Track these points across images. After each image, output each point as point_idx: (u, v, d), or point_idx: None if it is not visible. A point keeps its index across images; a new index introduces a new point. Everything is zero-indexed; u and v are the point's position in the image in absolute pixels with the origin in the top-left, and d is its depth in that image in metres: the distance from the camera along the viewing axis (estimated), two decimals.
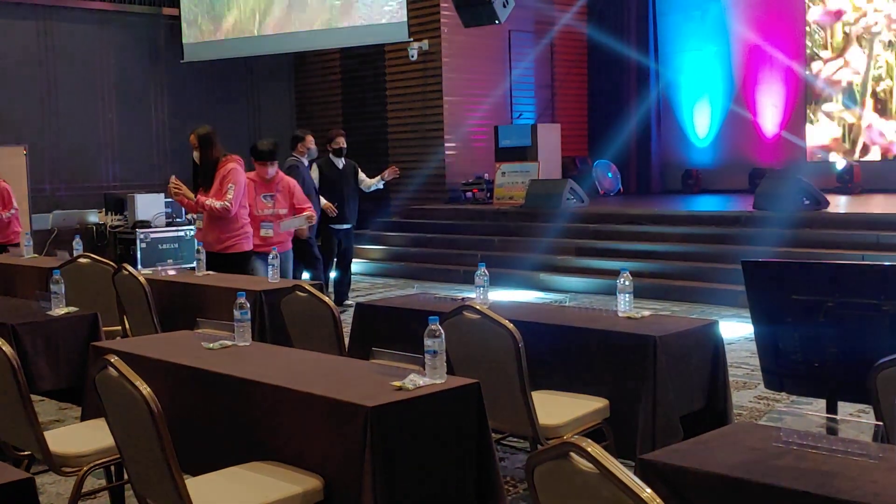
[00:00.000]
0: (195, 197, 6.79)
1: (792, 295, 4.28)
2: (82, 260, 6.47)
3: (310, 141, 9.34)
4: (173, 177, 6.99)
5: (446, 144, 14.61)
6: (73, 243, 7.66)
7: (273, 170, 7.48)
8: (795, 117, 14.81)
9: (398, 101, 15.19)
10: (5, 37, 13.96)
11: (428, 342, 3.25)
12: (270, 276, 5.90)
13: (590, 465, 1.92)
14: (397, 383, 3.21)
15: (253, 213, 7.20)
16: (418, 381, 3.22)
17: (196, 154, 6.84)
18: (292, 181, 7.70)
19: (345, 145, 9.71)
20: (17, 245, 9.50)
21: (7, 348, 3.54)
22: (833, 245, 9.76)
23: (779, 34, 14.83)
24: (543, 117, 15.70)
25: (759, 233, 10.10)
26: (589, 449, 1.93)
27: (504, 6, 12.32)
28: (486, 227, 12.91)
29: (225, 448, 3.53)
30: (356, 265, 13.08)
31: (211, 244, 6.75)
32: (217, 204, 6.67)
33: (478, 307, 3.93)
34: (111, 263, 6.35)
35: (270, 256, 5.98)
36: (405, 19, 13.89)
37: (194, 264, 6.62)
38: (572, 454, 1.98)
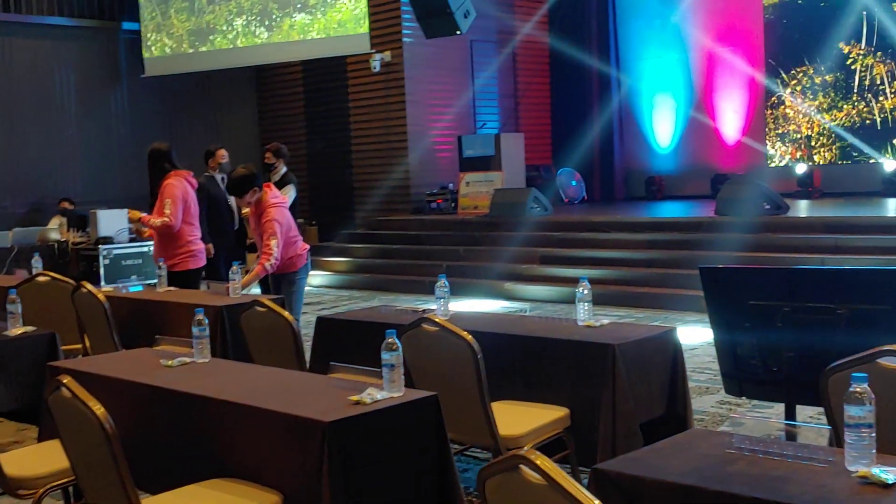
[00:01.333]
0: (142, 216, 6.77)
1: (749, 300, 4.32)
2: (41, 278, 6.40)
3: (221, 155, 8.94)
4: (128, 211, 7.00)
5: (410, 155, 14.62)
6: (32, 261, 7.58)
7: (244, 200, 6.46)
8: (756, 123, 14.97)
9: (361, 112, 15.18)
10: None
11: (385, 356, 3.25)
12: (231, 292, 5.87)
13: (539, 477, 1.93)
14: (355, 397, 3.20)
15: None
16: (376, 394, 3.22)
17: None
18: (272, 214, 6.35)
19: (272, 161, 9.11)
20: None
21: None
22: (793, 249, 9.86)
23: (737, 41, 14.99)
24: (507, 127, 15.75)
25: (721, 238, 10.18)
26: (538, 461, 1.94)
27: (465, 17, 12.34)
28: (450, 237, 12.93)
29: (184, 466, 3.50)
30: (321, 278, 13.07)
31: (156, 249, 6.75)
32: (157, 221, 6.66)
33: (436, 319, 3.93)
34: (70, 281, 6.29)
35: (231, 271, 5.95)
36: (367, 31, 13.89)
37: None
38: (522, 467, 1.99)
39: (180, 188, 6.73)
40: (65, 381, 2.94)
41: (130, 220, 6.80)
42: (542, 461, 1.93)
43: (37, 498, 3.44)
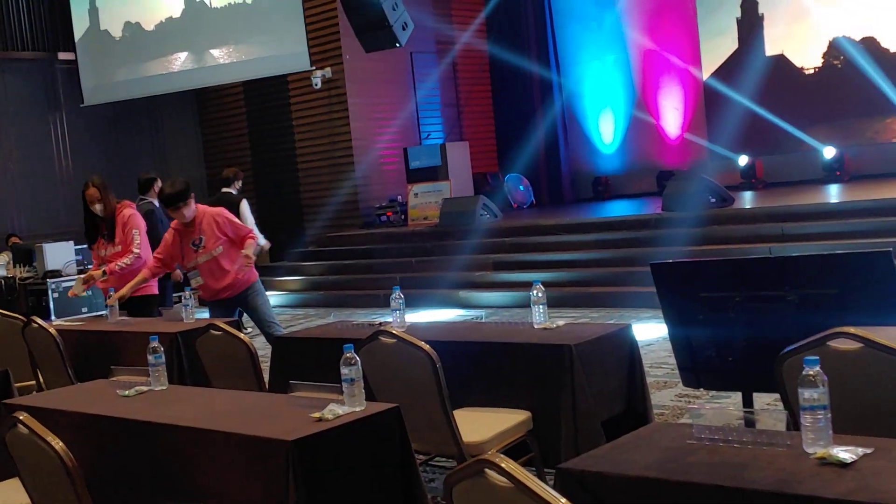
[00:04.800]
0: (104, 268, 6.76)
1: (700, 293, 4.39)
2: None
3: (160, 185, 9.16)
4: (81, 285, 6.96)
5: (357, 169, 14.61)
6: None
7: (189, 211, 6.39)
8: (696, 118, 15.16)
9: (305, 130, 15.14)
10: None
11: (344, 370, 3.25)
12: (185, 317, 5.82)
13: (505, 480, 1.95)
14: (317, 414, 3.19)
15: (186, 266, 6.51)
16: (338, 410, 3.21)
17: (99, 206, 6.78)
18: (216, 211, 6.55)
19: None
20: None
21: None
22: (741, 240, 10.01)
23: (673, 39, 15.19)
24: (451, 136, 15.80)
25: (670, 233, 10.30)
26: (503, 464, 1.96)
27: (403, 28, 12.38)
28: (402, 249, 12.93)
29: (149, 496, 3.47)
30: (275, 298, 13.00)
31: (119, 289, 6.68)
32: (127, 260, 6.69)
33: (393, 331, 3.94)
34: (19, 317, 6.20)
35: (185, 296, 5.90)
36: (306, 48, 13.87)
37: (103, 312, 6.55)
38: (487, 470, 2.01)
39: (139, 218, 6.85)
40: (21, 417, 2.90)
41: (86, 285, 6.82)
42: (507, 464, 1.95)
43: None
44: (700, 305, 4.36)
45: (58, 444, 2.80)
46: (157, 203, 8.88)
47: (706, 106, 15.05)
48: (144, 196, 8.99)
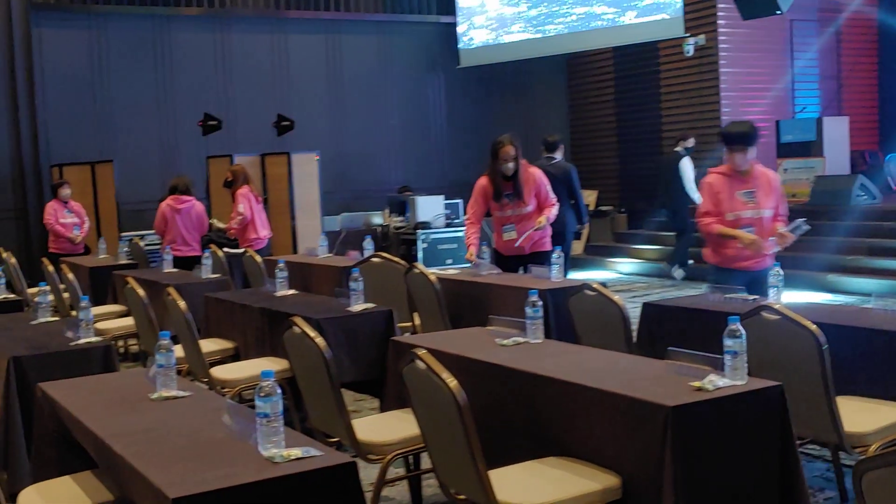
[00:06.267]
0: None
1: None
2: (375, 259, 6.80)
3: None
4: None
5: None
6: (363, 243, 8.06)
7: (746, 158, 5.55)
8: None
9: (673, 98, 14.88)
10: (299, 52, 14.95)
11: (728, 342, 3.17)
12: (553, 276, 5.92)
13: None
14: (696, 383, 3.15)
15: (724, 217, 5.63)
16: (718, 381, 3.15)
17: (512, 165, 6.63)
18: (775, 175, 5.84)
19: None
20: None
21: (319, 340, 3.79)
22: None
23: None
24: (829, 110, 14.88)
25: None
26: None
27: None
28: None
29: (521, 442, 3.59)
30: (631, 265, 13.06)
31: (521, 248, 6.80)
32: (555, 210, 6.86)
33: (777, 307, 3.79)
34: (402, 262, 6.63)
35: (555, 256, 6.01)
36: (681, 14, 13.60)
37: (469, 265, 6.72)
38: None
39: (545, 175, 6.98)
40: (420, 354, 3.10)
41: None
42: None
43: (385, 463, 3.66)
44: None
45: (452, 382, 2.96)
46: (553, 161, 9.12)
47: None
48: (552, 155, 9.24)
